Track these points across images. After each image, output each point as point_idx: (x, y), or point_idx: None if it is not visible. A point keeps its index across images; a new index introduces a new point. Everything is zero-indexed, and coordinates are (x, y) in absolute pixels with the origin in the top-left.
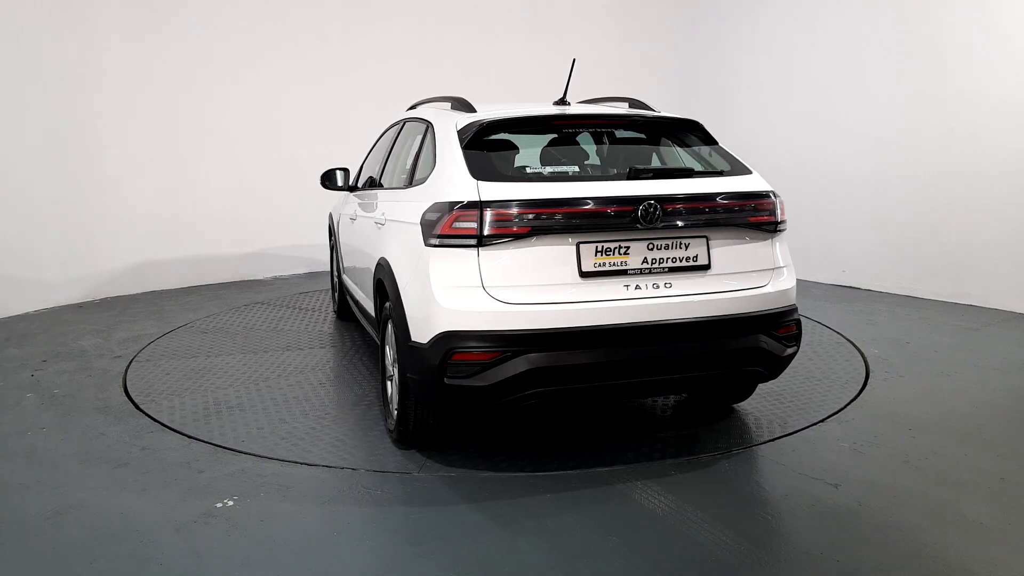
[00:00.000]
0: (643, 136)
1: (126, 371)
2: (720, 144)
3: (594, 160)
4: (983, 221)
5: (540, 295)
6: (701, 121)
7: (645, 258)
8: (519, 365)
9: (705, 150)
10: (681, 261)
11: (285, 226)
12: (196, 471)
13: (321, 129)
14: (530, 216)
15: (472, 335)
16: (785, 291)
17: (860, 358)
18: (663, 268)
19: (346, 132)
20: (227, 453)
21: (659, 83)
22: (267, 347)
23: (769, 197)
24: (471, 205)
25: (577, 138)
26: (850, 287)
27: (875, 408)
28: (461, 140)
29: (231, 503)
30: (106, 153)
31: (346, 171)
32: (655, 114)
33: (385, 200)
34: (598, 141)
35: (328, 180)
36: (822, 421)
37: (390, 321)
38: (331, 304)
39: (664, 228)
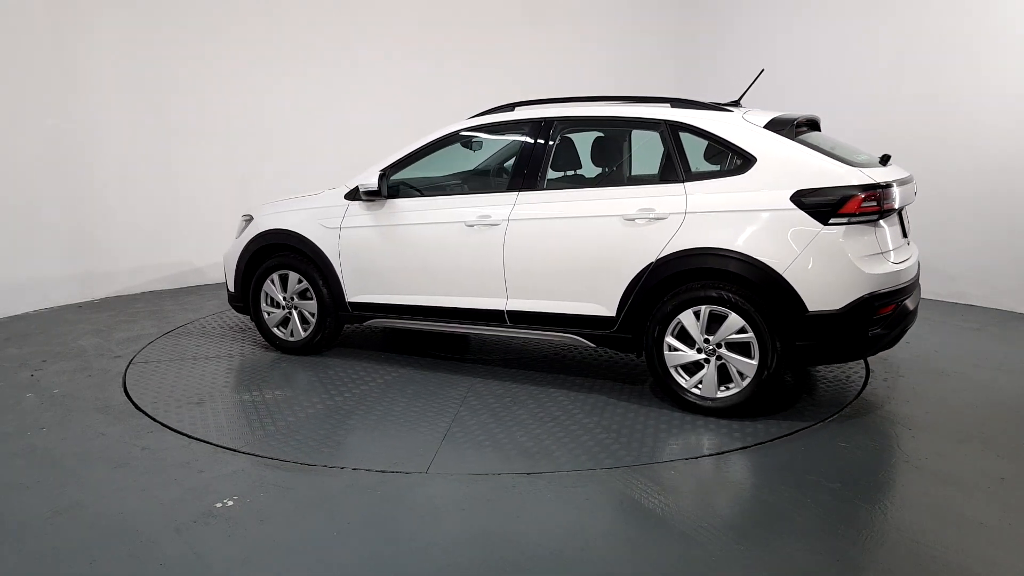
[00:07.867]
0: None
1: (126, 371)
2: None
3: (837, 150)
4: (984, 220)
5: (896, 256)
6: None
7: (901, 227)
8: (902, 311)
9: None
10: (904, 232)
11: None
12: (196, 471)
13: (321, 131)
14: (897, 194)
15: (888, 293)
16: None
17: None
18: (902, 235)
19: (345, 134)
20: (227, 453)
21: (661, 78)
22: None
23: None
24: (875, 187)
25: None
26: None
27: (875, 408)
28: (785, 135)
29: (231, 503)
30: (106, 153)
31: (384, 175)
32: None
33: (648, 195)
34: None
35: (386, 188)
36: (822, 421)
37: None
38: (251, 338)
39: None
